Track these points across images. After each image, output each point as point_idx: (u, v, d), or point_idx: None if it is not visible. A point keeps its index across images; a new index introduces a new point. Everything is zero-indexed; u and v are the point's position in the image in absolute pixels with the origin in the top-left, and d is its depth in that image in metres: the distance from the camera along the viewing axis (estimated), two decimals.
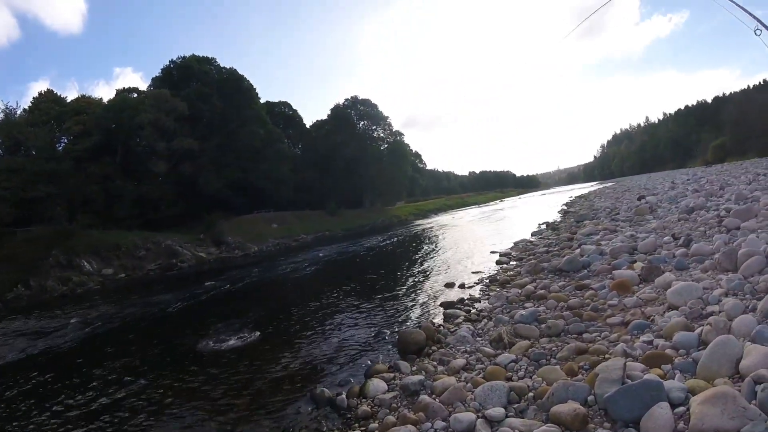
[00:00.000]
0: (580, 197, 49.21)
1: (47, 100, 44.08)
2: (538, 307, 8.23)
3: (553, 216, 30.06)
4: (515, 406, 4.78)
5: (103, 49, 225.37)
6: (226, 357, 9.46)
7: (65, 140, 42.05)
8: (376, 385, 6.34)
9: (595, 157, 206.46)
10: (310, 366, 8.29)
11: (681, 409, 3.74)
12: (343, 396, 6.38)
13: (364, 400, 6.15)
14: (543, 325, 7.08)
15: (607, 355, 5.40)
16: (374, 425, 5.35)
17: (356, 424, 5.60)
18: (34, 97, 44.83)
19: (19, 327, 16.26)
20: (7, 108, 40.98)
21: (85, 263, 30.26)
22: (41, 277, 27.58)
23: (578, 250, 12.11)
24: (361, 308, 12.25)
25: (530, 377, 5.39)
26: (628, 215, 17.71)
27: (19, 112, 41.48)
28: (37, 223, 32.58)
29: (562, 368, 5.31)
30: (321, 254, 28.95)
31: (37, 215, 33.16)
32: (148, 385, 8.31)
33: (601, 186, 79.48)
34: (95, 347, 12.15)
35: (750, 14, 8.15)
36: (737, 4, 8.52)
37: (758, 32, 7.75)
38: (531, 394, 4.91)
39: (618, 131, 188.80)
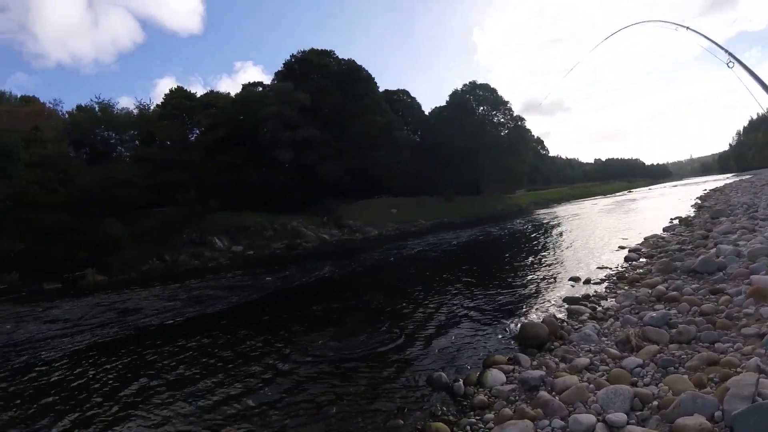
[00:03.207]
0: (714, 190, 45.04)
1: (178, 96, 48.69)
2: (669, 309, 7.74)
3: (686, 210, 27.93)
4: (638, 413, 4.59)
5: (223, 45, 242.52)
6: (345, 335, 9.93)
7: (196, 132, 45.84)
8: (495, 375, 6.36)
9: (730, 145, 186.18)
10: (426, 349, 8.48)
11: None
12: (461, 383, 6.47)
13: (481, 389, 6.20)
14: (673, 330, 6.65)
15: (739, 369, 5.00)
16: (490, 415, 5.38)
17: (471, 413, 5.66)
18: (165, 94, 49.90)
19: (157, 294, 18.39)
20: (141, 104, 46.19)
21: (216, 240, 33.09)
22: (175, 252, 30.58)
23: (714, 250, 11.18)
24: (480, 296, 12.30)
25: (656, 384, 5.13)
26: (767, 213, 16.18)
27: (152, 108, 46.25)
28: (171, 206, 36.07)
29: (691, 378, 5.00)
30: (439, 240, 29.23)
31: (171, 198, 36.53)
32: (271, 355, 9.02)
33: (737, 179, 71.93)
34: (224, 317, 13.35)
35: (721, 48, 8.14)
36: (709, 39, 8.63)
37: (731, 65, 7.64)
38: (655, 402, 4.68)
39: (754, 116, 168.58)
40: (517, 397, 5.70)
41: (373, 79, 58.20)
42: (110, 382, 8.52)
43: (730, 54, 7.65)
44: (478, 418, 5.47)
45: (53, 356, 10.76)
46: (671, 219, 23.43)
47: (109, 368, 9.35)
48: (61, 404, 7.65)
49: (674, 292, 8.70)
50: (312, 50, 55.67)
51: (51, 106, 46.07)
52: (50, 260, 26.82)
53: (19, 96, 49.50)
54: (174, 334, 11.84)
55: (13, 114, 38.45)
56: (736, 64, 7.51)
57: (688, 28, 8.92)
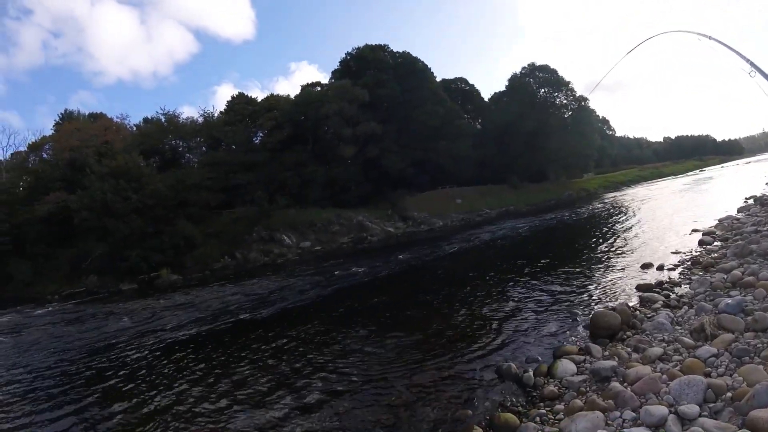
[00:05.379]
0: None
1: (240, 102, 50.08)
2: (745, 296, 7.40)
3: (761, 188, 26.47)
4: (710, 405, 4.47)
5: (276, 48, 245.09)
6: (415, 326, 10.16)
7: (260, 134, 47.44)
8: (565, 366, 6.40)
9: None
10: (496, 340, 8.59)
11: None
12: (530, 373, 6.54)
13: (551, 380, 6.26)
14: (749, 318, 6.34)
15: None
16: (560, 407, 5.44)
17: (541, 403, 5.74)
18: (227, 101, 51.24)
19: (229, 291, 19.21)
20: (205, 112, 48.27)
21: (285, 237, 34.14)
22: (245, 250, 31.89)
23: None
24: (549, 285, 12.27)
25: (730, 375, 4.96)
26: None
27: (216, 115, 48.14)
28: (240, 206, 37.54)
29: (766, 369, 4.78)
30: (506, 229, 28.97)
31: (240, 199, 38.14)
32: (343, 346, 9.41)
33: None
34: (295, 312, 13.90)
35: (743, 57, 8.31)
36: (731, 48, 8.90)
37: (752, 74, 7.79)
38: (729, 394, 4.54)
39: None
40: (588, 388, 5.71)
41: (430, 69, 57.49)
42: (187, 375, 9.15)
43: (752, 63, 7.79)
44: (547, 409, 5.54)
45: (132, 353, 11.57)
46: (746, 198, 22.32)
47: (186, 362, 10.04)
48: (145, 398, 8.30)
49: (750, 277, 8.28)
50: (366, 46, 56.07)
51: (119, 120, 49.64)
52: (127, 263, 28.53)
53: (87, 113, 53.07)
54: (248, 329, 12.45)
55: (84, 131, 41.35)
56: (758, 74, 7.71)
57: (710, 37, 9.75)
